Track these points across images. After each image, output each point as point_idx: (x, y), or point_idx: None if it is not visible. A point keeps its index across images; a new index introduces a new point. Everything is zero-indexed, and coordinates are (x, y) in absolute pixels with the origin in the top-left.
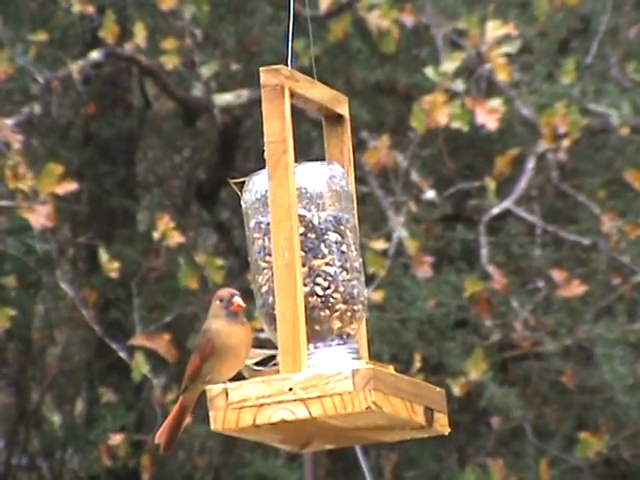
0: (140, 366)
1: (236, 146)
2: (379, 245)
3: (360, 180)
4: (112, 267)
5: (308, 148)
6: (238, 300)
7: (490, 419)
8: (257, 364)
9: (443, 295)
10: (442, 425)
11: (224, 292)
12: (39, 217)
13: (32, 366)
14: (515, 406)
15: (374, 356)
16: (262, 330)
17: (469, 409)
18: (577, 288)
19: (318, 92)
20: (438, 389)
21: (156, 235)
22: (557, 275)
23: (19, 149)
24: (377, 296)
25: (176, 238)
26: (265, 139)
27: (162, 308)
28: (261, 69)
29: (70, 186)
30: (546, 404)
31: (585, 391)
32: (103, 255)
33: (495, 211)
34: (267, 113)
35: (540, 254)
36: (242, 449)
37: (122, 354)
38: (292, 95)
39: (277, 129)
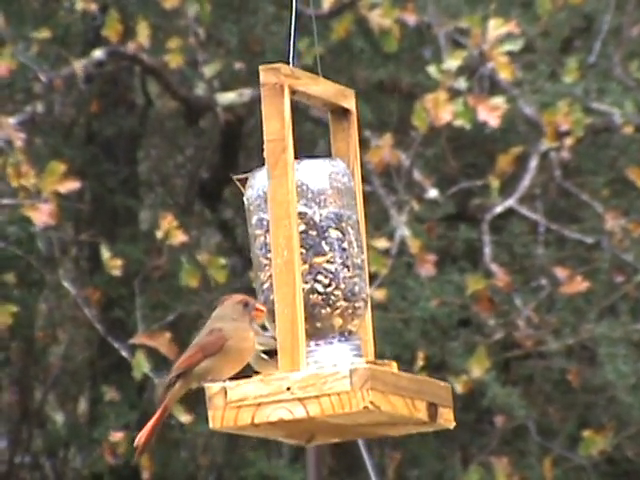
0: (141, 365)
1: (239, 145)
2: (381, 244)
3: (363, 179)
4: (114, 264)
5: (312, 146)
6: (260, 305)
7: (494, 418)
8: (264, 352)
9: (446, 294)
10: (447, 420)
11: (243, 298)
12: (42, 215)
13: (35, 365)
14: (518, 406)
15: (377, 356)
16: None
17: (472, 408)
18: (580, 285)
19: (321, 88)
20: (443, 384)
21: (159, 234)
22: (560, 272)
23: (21, 147)
24: (380, 295)
25: (179, 237)
26: (264, 137)
27: (164, 307)
28: (260, 67)
29: (73, 184)
30: (549, 403)
31: (588, 390)
32: (105, 253)
33: (498, 210)
34: (266, 112)
35: (543, 253)
36: (245, 449)
37: (124, 353)
38: (294, 92)
39: (276, 128)
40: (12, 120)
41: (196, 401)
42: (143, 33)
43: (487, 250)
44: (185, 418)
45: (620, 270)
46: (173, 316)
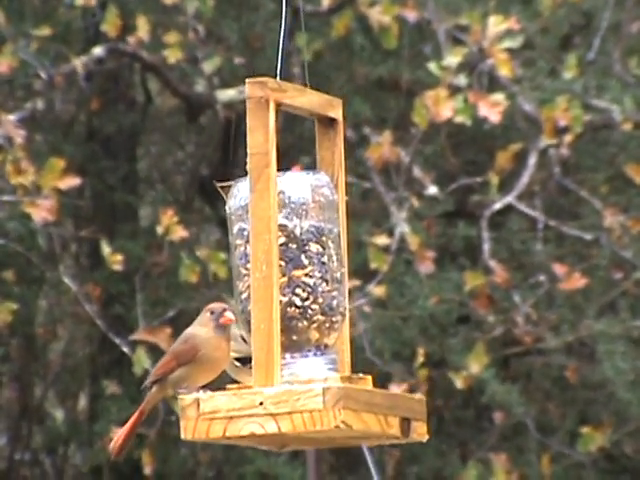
0: (141, 360)
1: (239, 142)
2: (381, 240)
3: (363, 176)
4: (115, 260)
5: (311, 145)
6: (229, 314)
7: (492, 415)
8: (238, 360)
9: (445, 292)
10: (420, 434)
11: (216, 305)
12: (41, 211)
13: (35, 362)
14: (517, 402)
15: (377, 353)
16: None
17: (471, 405)
18: (578, 281)
19: (307, 99)
20: (417, 397)
21: (160, 229)
22: (559, 269)
23: (21, 144)
24: (379, 291)
25: (179, 232)
26: (248, 150)
27: (165, 303)
28: (247, 81)
29: (72, 181)
30: (548, 400)
31: (587, 387)
32: (105, 248)
33: (497, 206)
34: (251, 125)
35: (542, 249)
36: (244, 447)
37: (125, 349)
38: (279, 105)
39: (260, 141)
40: (12, 117)
41: None
42: (143, 28)
43: (486, 247)
44: None
45: (619, 267)
46: (173, 312)
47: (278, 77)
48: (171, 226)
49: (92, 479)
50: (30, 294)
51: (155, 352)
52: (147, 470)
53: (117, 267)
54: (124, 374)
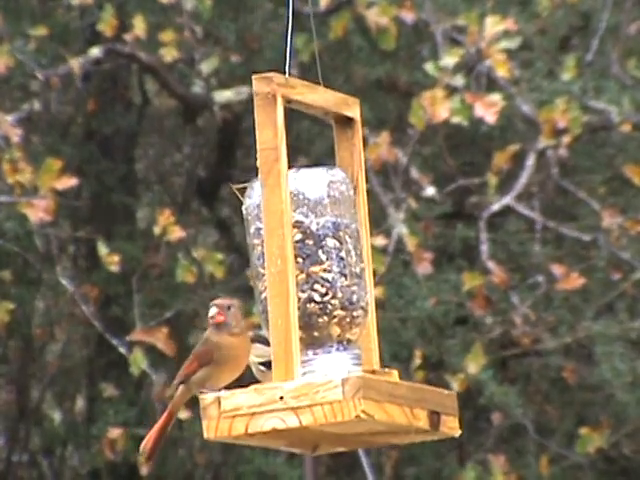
0: (139, 361)
1: (236, 143)
2: (379, 242)
3: None
4: (112, 261)
5: (309, 145)
6: (211, 312)
7: (491, 416)
8: (263, 364)
9: (443, 293)
10: (451, 428)
11: (215, 302)
12: (37, 211)
13: (32, 363)
14: (515, 404)
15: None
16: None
17: (470, 406)
18: (576, 281)
19: (320, 97)
20: (447, 392)
21: (157, 230)
22: (556, 269)
23: (18, 143)
24: (377, 292)
25: (176, 233)
26: (257, 147)
27: (162, 304)
28: (254, 76)
29: (69, 181)
30: (546, 401)
31: (585, 388)
32: (102, 249)
33: (495, 207)
34: (259, 121)
35: (540, 250)
36: (242, 447)
37: (122, 350)
38: (289, 101)
39: (269, 137)
40: (9, 118)
41: (194, 400)
42: (140, 26)
43: (484, 248)
44: (183, 415)
45: (617, 268)
46: (171, 313)
47: (287, 73)
48: (168, 226)
49: None
50: (27, 295)
51: (152, 353)
52: (144, 472)
53: (114, 268)
54: (121, 375)
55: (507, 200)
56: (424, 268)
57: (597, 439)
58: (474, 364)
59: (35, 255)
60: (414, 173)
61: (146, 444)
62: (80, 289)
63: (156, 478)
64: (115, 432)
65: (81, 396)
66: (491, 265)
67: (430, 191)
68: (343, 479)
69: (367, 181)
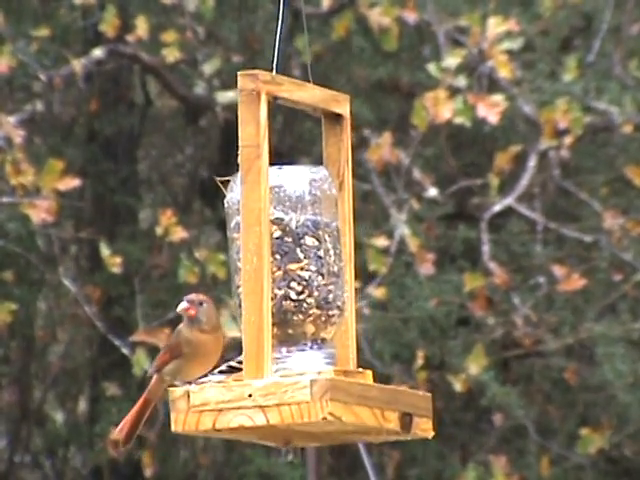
0: (141, 362)
1: (238, 144)
2: (381, 242)
3: (362, 178)
4: (114, 262)
5: (311, 146)
6: (182, 305)
7: (492, 417)
8: (241, 362)
9: (445, 294)
10: (424, 429)
11: (187, 297)
12: (39, 212)
13: (35, 364)
14: (516, 405)
15: (376, 355)
16: None
17: (471, 407)
18: (577, 282)
19: (308, 94)
20: (422, 393)
21: (159, 231)
22: (558, 270)
23: (20, 144)
24: (379, 293)
25: (179, 233)
26: (239, 143)
27: (165, 305)
28: (239, 73)
29: (72, 182)
30: (548, 402)
31: (587, 389)
32: (104, 250)
33: (497, 208)
34: (242, 117)
35: (542, 251)
36: (244, 447)
37: (125, 351)
38: (275, 98)
39: (251, 133)
40: (12, 119)
41: None
42: (142, 27)
43: (486, 249)
44: None
45: (619, 269)
46: (173, 314)
47: (274, 70)
48: (170, 227)
49: None
50: (29, 296)
51: (155, 354)
52: (147, 472)
53: (116, 269)
54: (124, 376)
55: (509, 201)
56: (426, 269)
57: (598, 440)
58: (476, 365)
59: (37, 256)
60: (416, 174)
61: (120, 430)
62: (82, 290)
63: (159, 478)
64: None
65: (83, 397)
66: (493, 266)
67: (432, 192)
68: (345, 479)
69: (369, 182)
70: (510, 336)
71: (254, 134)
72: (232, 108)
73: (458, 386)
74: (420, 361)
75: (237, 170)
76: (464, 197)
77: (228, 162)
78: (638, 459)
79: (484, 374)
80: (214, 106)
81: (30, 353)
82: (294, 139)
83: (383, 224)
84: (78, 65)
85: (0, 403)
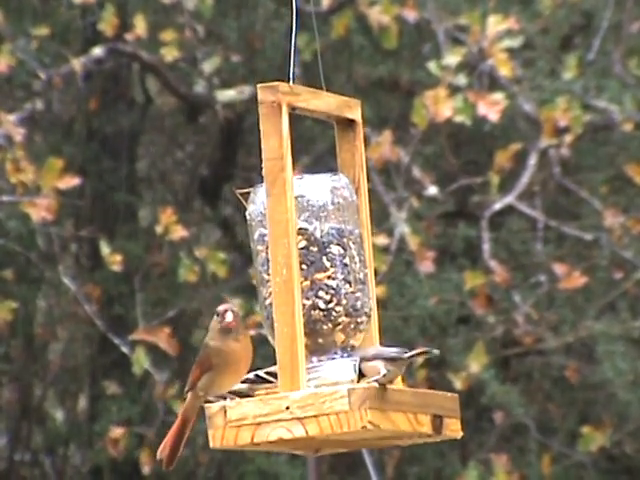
0: (141, 360)
1: (238, 142)
2: (381, 241)
3: None
4: (114, 260)
5: (310, 144)
6: (229, 317)
7: (493, 415)
8: (269, 373)
9: (445, 292)
10: (453, 430)
11: (220, 308)
12: (39, 210)
13: (35, 362)
14: (517, 403)
15: None
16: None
17: (472, 405)
18: (578, 280)
19: (323, 102)
20: (449, 395)
21: (159, 229)
22: (558, 268)
23: (20, 142)
24: (379, 291)
25: (179, 232)
26: (263, 156)
27: (165, 303)
28: (258, 86)
29: (71, 180)
30: (548, 400)
31: (587, 387)
32: (104, 248)
33: (497, 206)
34: (265, 130)
35: (542, 249)
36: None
37: (125, 349)
38: (293, 109)
39: (275, 146)
40: (12, 117)
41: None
42: (141, 25)
43: (486, 247)
44: None
45: (619, 267)
46: (173, 312)
47: (291, 81)
48: (170, 225)
49: (92, 479)
50: (29, 294)
51: (155, 352)
52: (146, 470)
53: (116, 267)
54: (124, 374)
55: (509, 199)
56: (426, 267)
57: (599, 438)
58: (476, 363)
59: (37, 254)
60: (416, 172)
61: (162, 451)
62: (82, 288)
63: (158, 477)
64: (117, 430)
65: (83, 395)
66: (493, 264)
67: (432, 190)
68: (346, 478)
69: (369, 180)
70: (510, 334)
71: (277, 146)
72: (232, 106)
73: (458, 384)
74: (420, 360)
75: (237, 169)
76: (464, 195)
77: (228, 160)
78: (639, 457)
79: (484, 372)
80: (214, 104)
81: (30, 351)
82: (294, 139)
83: (383, 222)
84: (78, 64)
85: (0, 401)
